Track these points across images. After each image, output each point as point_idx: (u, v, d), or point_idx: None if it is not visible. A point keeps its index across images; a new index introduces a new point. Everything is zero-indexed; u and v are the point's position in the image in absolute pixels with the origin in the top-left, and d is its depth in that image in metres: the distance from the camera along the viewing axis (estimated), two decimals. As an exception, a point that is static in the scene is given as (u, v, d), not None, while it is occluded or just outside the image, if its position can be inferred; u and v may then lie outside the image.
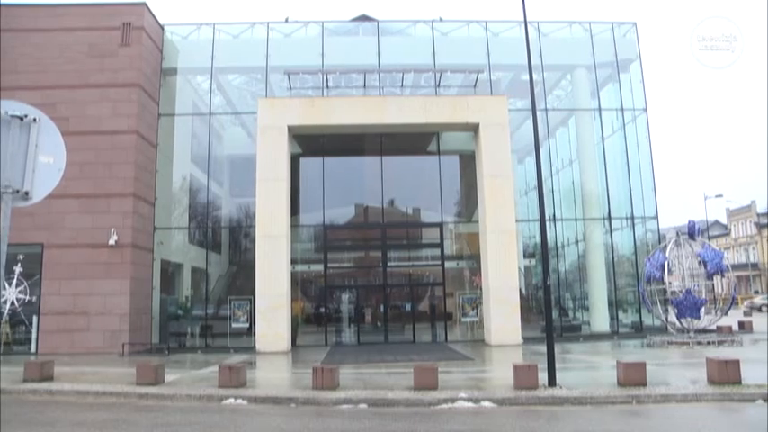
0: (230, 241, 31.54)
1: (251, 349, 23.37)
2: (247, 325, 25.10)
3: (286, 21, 28.89)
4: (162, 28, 27.88)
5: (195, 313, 27.60)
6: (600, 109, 29.90)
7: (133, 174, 24.39)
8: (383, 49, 27.92)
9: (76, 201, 23.47)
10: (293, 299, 25.89)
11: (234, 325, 25.29)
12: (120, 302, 23.33)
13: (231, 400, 12.80)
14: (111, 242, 23.44)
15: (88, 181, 23.67)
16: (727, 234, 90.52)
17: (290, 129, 25.30)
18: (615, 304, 28.61)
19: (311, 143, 28.28)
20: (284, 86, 27.87)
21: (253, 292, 24.07)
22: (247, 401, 12.78)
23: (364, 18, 31.43)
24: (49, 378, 15.29)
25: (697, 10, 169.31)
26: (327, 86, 27.59)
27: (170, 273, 28.37)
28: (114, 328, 23.07)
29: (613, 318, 28.28)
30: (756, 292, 73.34)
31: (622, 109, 29.54)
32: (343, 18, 32.36)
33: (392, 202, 29.03)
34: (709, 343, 22.06)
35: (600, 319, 28.27)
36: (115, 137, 24.47)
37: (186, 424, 10.92)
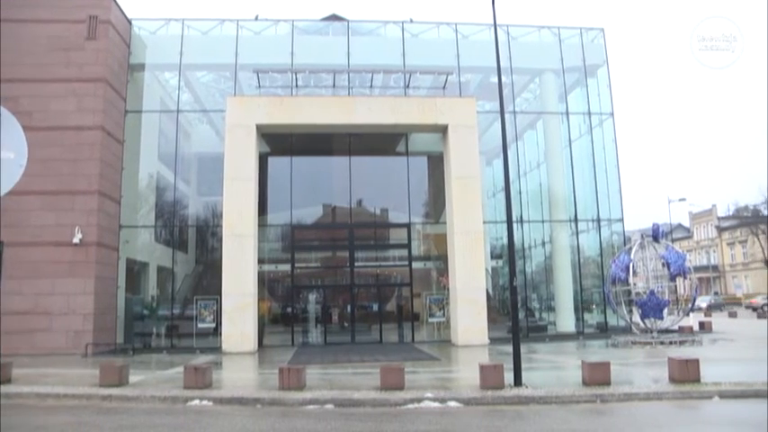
0: (197, 240, 31.24)
1: (217, 350, 23.14)
2: (214, 325, 24.83)
3: (256, 18, 28.69)
4: (129, 22, 27.40)
5: (161, 313, 27.28)
6: (567, 113, 30.24)
7: (98, 171, 23.90)
8: (353, 49, 27.87)
9: (40, 198, 22.99)
10: (260, 299, 25.69)
11: (200, 325, 24.99)
12: (84, 302, 22.89)
13: (197, 402, 12.64)
14: (76, 240, 23.01)
15: (52, 177, 23.17)
16: (690, 237, 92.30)
17: (259, 127, 25.13)
18: (581, 305, 28.97)
19: (280, 142, 28.12)
20: (253, 85, 27.64)
21: (219, 292, 23.83)
22: (213, 402, 12.63)
23: (335, 18, 31.34)
24: (7, 381, 14.77)
25: (665, 17, 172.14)
26: (297, 86, 27.45)
27: (136, 272, 27.96)
28: (78, 328, 22.62)
29: (579, 318, 28.62)
30: (716, 294, 74.91)
31: (589, 113, 29.92)
32: (313, 17, 32.19)
33: (360, 203, 29.00)
34: (671, 343, 22.56)
35: (566, 320, 28.61)
36: (80, 133, 23.91)
37: (151, 426, 10.77)
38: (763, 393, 12.33)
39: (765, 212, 73.03)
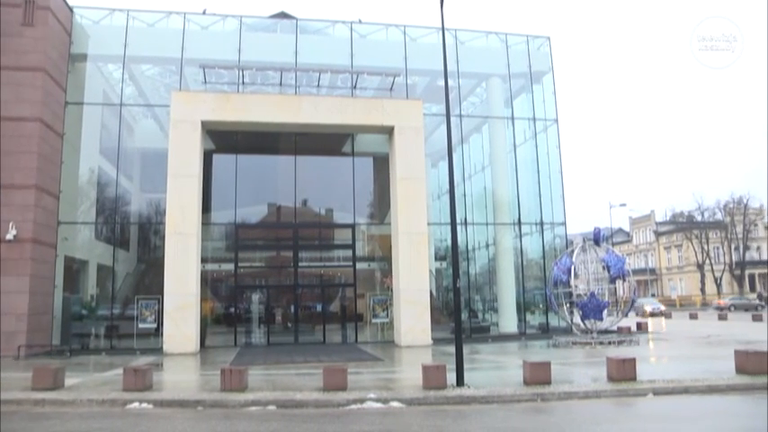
0: (139, 238, 30.57)
1: (158, 351, 22.67)
2: (155, 325, 24.32)
3: (203, 13, 28.21)
4: (71, 10, 26.45)
5: (100, 313, 26.50)
6: (513, 118, 30.64)
7: (36, 164, 23.02)
8: (301, 48, 27.68)
9: (-29, 191, 22.10)
10: (203, 299, 25.34)
11: (141, 325, 24.44)
12: (18, 302, 22.00)
13: (136, 405, 12.32)
14: (9, 237, 22.12)
15: (-15, 170, 22.29)
16: (630, 241, 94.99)
17: (204, 124, 24.76)
18: (523, 306, 29.39)
19: (225, 139, 27.75)
20: (199, 80, 27.17)
21: (161, 292, 23.35)
22: (153, 405, 12.34)
23: (283, 15, 31.06)
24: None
25: (610, 27, 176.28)
26: (243, 82, 27.13)
27: (74, 270, 27.10)
28: (10, 329, 21.67)
29: (521, 319, 29.03)
30: (653, 295, 77.20)
31: (534, 119, 30.40)
32: (261, 14, 31.79)
33: (305, 203, 28.87)
34: (610, 343, 23.15)
35: (508, 321, 29.00)
36: (17, 124, 22.94)
37: (86, 431, 10.46)
38: (693, 390, 12.97)
39: (699, 218, 75.56)
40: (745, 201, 72.68)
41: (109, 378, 15.98)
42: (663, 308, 53.70)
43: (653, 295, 77.35)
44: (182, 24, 27.26)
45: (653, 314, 49.66)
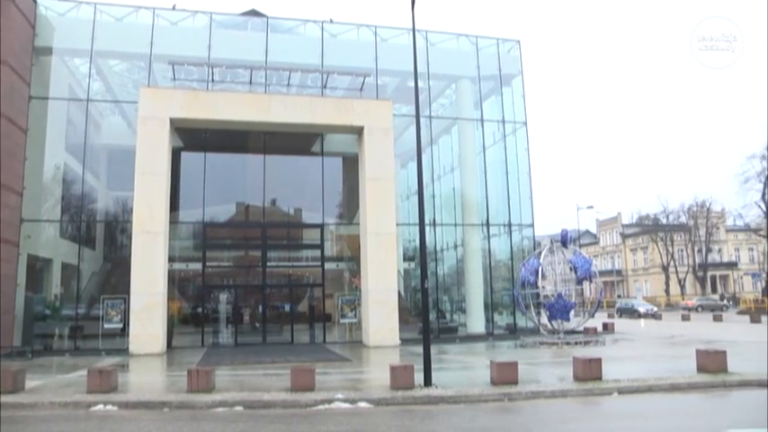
0: (106, 237, 30.07)
1: (124, 351, 22.35)
2: (121, 326, 23.93)
3: (173, 8, 27.83)
4: (35, 1, 25.82)
5: (65, 313, 25.83)
6: (482, 120, 30.82)
7: (-3, 160, 22.48)
8: (271, 47, 27.49)
9: (-71, 188, 21.48)
10: (170, 298, 25.01)
11: (106, 326, 24.02)
12: (-23, 301, 21.48)
13: (100, 407, 12.08)
14: (-31, 234, 21.64)
15: (-55, 167, 21.67)
16: (597, 243, 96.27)
17: (173, 121, 24.49)
18: (491, 307, 29.60)
19: (194, 137, 27.44)
20: (168, 77, 26.85)
21: (128, 291, 23.01)
22: (118, 407, 12.11)
23: (254, 13, 30.83)
24: None
25: (580, 31, 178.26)
26: (213, 80, 26.88)
27: (38, 269, 26.53)
28: (-32, 329, 21.17)
29: (489, 320, 29.24)
30: (619, 296, 78.31)
31: (503, 121, 30.62)
32: (232, 11, 31.47)
33: (274, 202, 28.71)
34: (576, 343, 23.42)
35: (476, 321, 29.14)
36: (-22, 119, 22.38)
37: (47, 435, 10.22)
38: (656, 389, 13.26)
39: (664, 221, 76.80)
40: (708, 204, 73.96)
41: (72, 380, 15.67)
42: (656, 309, 52.79)
43: (618, 296, 78.35)
44: (151, 20, 26.83)
45: (645, 316, 48.93)
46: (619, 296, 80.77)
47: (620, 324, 36.21)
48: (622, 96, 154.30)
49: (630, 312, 51.83)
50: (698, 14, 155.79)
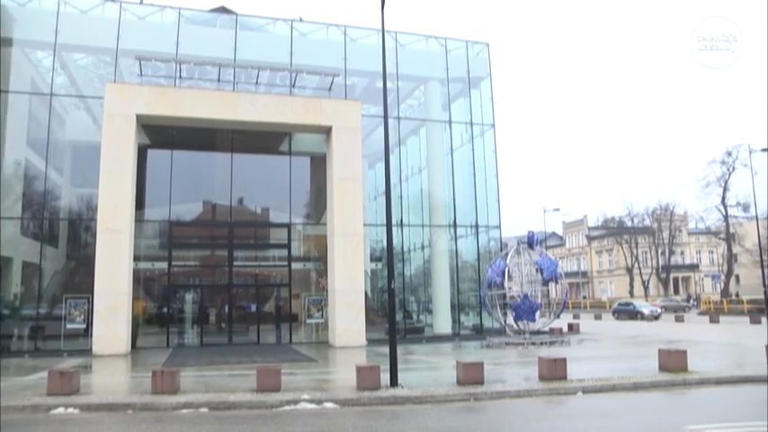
0: (69, 235, 29.46)
1: (87, 352, 21.96)
2: (84, 326, 23.47)
3: (141, 2, 27.40)
4: (-8, -11, 25.17)
5: (25, 313, 25.23)
6: (450, 121, 30.97)
7: (-45, 156, 21.92)
8: (240, 44, 27.26)
9: None
10: (135, 298, 24.68)
11: (69, 326, 23.54)
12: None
13: (61, 410, 11.80)
14: (-75, 232, 21.04)
15: None
16: (563, 244, 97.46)
17: (139, 118, 24.15)
18: (458, 307, 29.75)
19: (160, 134, 27.08)
20: (135, 72, 26.42)
21: (92, 291, 22.62)
22: (80, 410, 11.86)
23: (223, 10, 30.57)
24: None
25: (551, 33, 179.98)
26: (180, 77, 26.52)
27: (-3, 268, 25.98)
28: None
29: (455, 320, 29.38)
30: (585, 297, 79.35)
31: (472, 123, 30.82)
32: (201, 7, 31.14)
33: (241, 201, 28.47)
34: (542, 343, 23.67)
35: (443, 322, 29.26)
36: (-65, 113, 21.81)
37: (3, 441, 9.99)
38: (620, 388, 13.53)
39: (629, 224, 77.99)
40: (671, 208, 75.32)
41: (32, 382, 15.29)
42: (660, 310, 48.79)
43: (584, 297, 79.30)
44: (117, 13, 26.33)
45: (648, 318, 45.31)
46: (584, 297, 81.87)
47: (586, 324, 36.66)
48: (589, 100, 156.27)
49: (631, 314, 48.12)
50: (665, 16, 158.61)
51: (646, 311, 46.82)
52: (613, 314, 50.97)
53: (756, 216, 46.25)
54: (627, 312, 49.22)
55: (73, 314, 23.58)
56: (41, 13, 26.04)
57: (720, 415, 11.06)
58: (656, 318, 45.27)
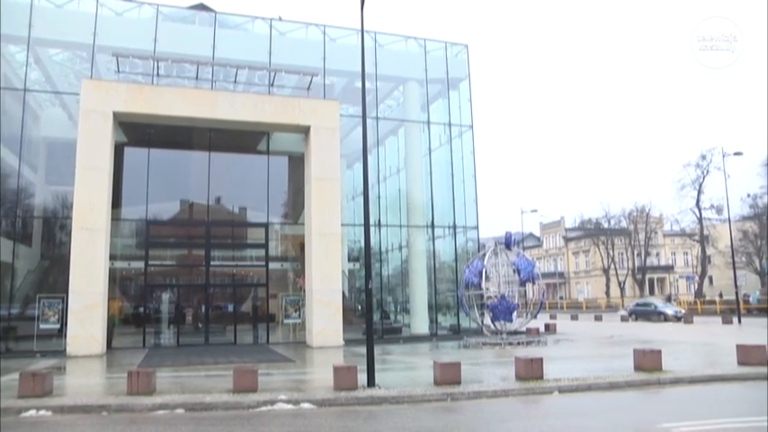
0: (44, 233, 28.94)
1: (61, 353, 21.65)
2: (58, 326, 23.08)
3: None
4: (-38, -19, 24.64)
5: (-5, 313, 25.02)
6: (429, 122, 31.08)
7: (-76, 152, 21.48)
8: (219, 42, 27.09)
9: None
10: (111, 298, 24.41)
11: (42, 326, 23.12)
12: None
13: (33, 412, 11.57)
14: None
15: None
16: (540, 245, 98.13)
17: (116, 115, 23.87)
18: (435, 308, 29.80)
19: (137, 132, 26.74)
20: (112, 69, 26.07)
21: (66, 290, 22.26)
22: (53, 412, 11.66)
23: (202, 7, 30.38)
24: None
25: (529, 35, 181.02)
26: (158, 74, 26.21)
27: (-33, 267, 25.54)
28: None
29: (433, 321, 29.44)
30: (561, 298, 79.95)
31: (450, 124, 30.95)
32: (179, 4, 30.92)
33: (219, 200, 28.30)
34: (519, 344, 23.84)
35: (420, 322, 29.33)
36: None
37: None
38: (596, 387, 13.71)
39: (605, 225, 78.65)
40: (647, 210, 76.02)
41: (3, 384, 14.87)
42: (683, 311, 45.23)
43: (561, 297, 79.84)
44: (94, 8, 26.01)
45: (672, 319, 41.85)
46: (561, 297, 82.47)
47: (562, 325, 36.94)
48: (567, 102, 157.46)
49: (650, 315, 43.75)
50: (640, 20, 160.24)
51: (669, 312, 43.28)
52: (630, 315, 45.96)
53: (729, 218, 46.85)
54: (646, 313, 44.61)
55: (47, 314, 23.15)
56: (14, 6, 25.48)
57: (694, 413, 11.23)
58: (679, 319, 41.34)
